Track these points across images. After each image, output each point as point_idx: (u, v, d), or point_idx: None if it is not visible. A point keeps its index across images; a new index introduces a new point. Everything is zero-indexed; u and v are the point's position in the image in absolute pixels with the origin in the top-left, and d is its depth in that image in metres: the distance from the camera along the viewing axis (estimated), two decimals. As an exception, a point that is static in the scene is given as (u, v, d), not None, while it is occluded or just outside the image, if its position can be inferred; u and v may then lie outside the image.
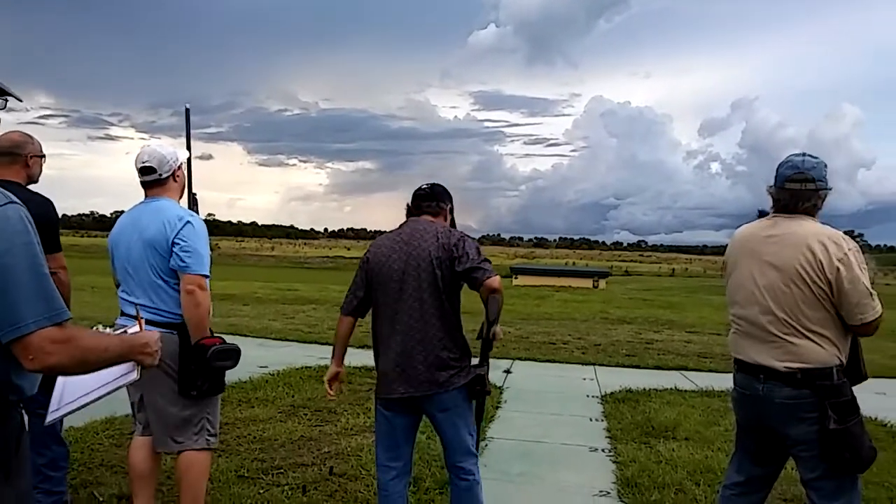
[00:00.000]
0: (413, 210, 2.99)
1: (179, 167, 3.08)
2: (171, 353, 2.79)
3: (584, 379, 7.74)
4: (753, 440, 2.76)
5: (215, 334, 2.93)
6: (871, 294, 2.43)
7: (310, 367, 7.32)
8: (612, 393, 6.76)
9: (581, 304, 18.71)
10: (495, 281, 2.67)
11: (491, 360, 2.90)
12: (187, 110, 3.56)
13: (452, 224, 3.03)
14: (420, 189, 3.00)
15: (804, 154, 2.58)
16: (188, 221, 2.89)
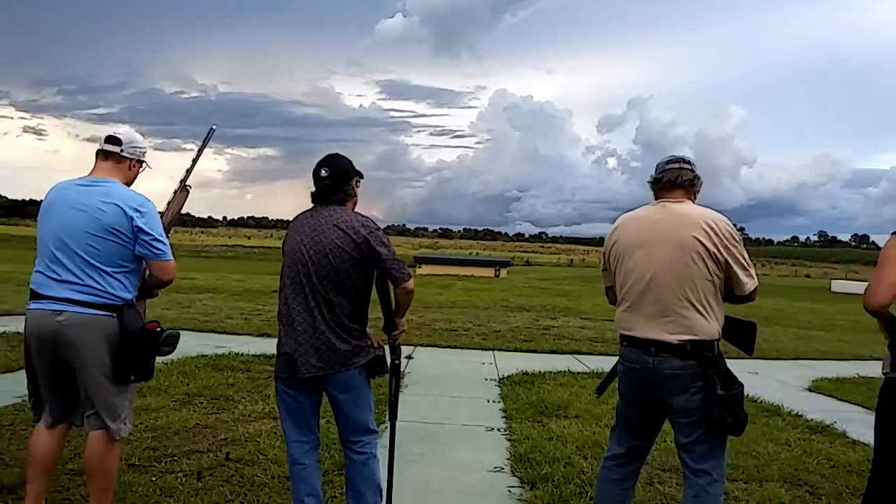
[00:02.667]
0: (319, 199, 2.94)
1: (140, 164, 3.05)
2: (110, 336, 2.78)
3: (484, 363, 7.97)
4: (636, 412, 2.93)
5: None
6: (750, 269, 2.72)
7: (206, 356, 7.15)
8: (509, 376, 7.00)
9: (483, 293, 19.12)
10: (411, 283, 2.92)
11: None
12: (211, 130, 3.42)
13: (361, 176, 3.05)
14: (320, 180, 2.90)
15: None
16: (148, 209, 2.88)
